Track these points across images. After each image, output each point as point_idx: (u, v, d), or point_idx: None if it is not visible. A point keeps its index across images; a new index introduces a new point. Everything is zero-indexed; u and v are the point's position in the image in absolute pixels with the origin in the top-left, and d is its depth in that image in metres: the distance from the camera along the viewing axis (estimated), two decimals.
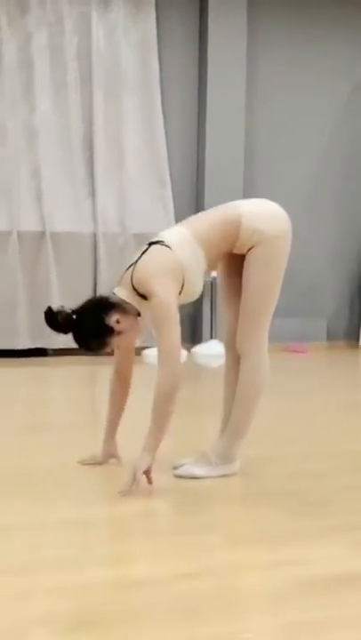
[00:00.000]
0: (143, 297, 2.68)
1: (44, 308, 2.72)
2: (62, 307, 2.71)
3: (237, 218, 2.76)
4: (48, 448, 3.36)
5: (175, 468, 2.90)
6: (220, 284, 2.99)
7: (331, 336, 7.28)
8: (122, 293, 2.73)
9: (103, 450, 3.03)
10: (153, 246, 2.75)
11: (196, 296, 2.84)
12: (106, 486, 2.79)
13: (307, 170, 7.11)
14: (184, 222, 2.88)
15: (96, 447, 3.09)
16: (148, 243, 2.79)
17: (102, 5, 6.43)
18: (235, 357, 2.94)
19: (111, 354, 2.92)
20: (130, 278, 2.71)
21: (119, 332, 2.71)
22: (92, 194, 6.44)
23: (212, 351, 6.18)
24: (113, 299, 2.74)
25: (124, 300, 2.72)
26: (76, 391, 5.00)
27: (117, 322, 2.70)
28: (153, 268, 2.68)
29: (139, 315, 2.76)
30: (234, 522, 2.48)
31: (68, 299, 6.34)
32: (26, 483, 2.82)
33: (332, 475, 3.00)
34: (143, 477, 2.64)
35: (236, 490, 2.81)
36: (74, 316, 2.68)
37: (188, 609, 1.83)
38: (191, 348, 6.48)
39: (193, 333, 6.77)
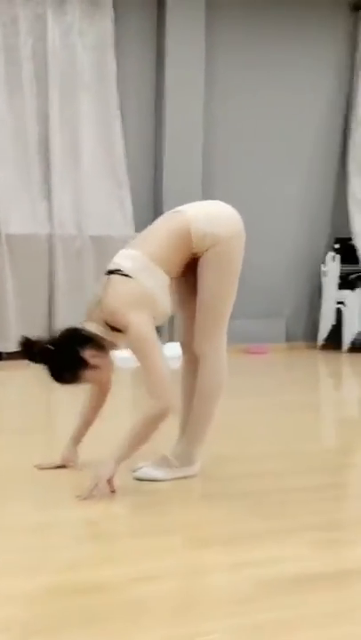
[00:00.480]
0: (118, 330, 2.68)
1: None
2: (39, 337, 2.69)
3: (185, 225, 2.73)
4: (4, 452, 3.29)
5: (134, 471, 2.86)
6: (173, 284, 2.95)
7: (290, 337, 7.30)
8: (93, 328, 2.71)
9: (63, 454, 2.98)
10: (113, 277, 2.71)
11: (168, 315, 2.81)
12: (64, 490, 2.74)
13: (266, 170, 7.12)
14: (134, 244, 2.83)
15: (52, 451, 3.04)
16: (106, 272, 2.76)
17: (58, 6, 6.37)
18: (191, 357, 2.92)
19: None
20: (100, 314, 2.69)
21: (93, 367, 2.68)
22: (48, 195, 6.37)
23: (171, 353, 6.13)
24: (87, 332, 2.70)
25: (99, 336, 2.70)
26: (31, 395, 4.93)
27: (92, 356, 2.67)
28: (122, 302, 2.65)
29: (115, 347, 2.75)
30: (194, 523, 2.46)
31: (24, 301, 6.32)
32: None
33: (291, 475, 3.00)
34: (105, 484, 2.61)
35: (196, 491, 2.79)
36: (50, 347, 2.65)
37: (149, 612, 1.80)
38: None
39: None
